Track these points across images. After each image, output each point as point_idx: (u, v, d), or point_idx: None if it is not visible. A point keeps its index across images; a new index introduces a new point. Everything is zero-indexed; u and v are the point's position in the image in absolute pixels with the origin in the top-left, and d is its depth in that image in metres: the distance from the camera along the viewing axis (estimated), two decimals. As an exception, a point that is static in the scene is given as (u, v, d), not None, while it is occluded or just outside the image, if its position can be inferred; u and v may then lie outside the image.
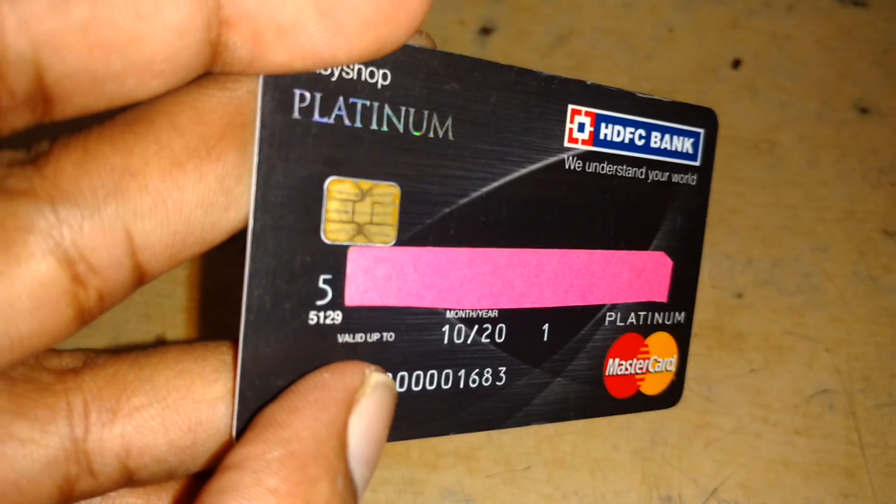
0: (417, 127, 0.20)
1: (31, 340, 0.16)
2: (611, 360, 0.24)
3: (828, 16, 0.38)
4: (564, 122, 0.22)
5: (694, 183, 0.25)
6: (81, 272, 0.16)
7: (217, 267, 0.32)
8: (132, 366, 0.18)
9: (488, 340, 0.22)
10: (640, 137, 0.24)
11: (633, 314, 0.24)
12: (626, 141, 0.24)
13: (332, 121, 0.19)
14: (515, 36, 0.38)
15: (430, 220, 0.21)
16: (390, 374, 0.20)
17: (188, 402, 0.18)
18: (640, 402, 0.25)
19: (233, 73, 0.17)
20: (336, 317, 0.20)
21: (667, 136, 0.25)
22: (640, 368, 0.25)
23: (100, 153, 0.16)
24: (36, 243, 0.15)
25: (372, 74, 0.19)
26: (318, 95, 0.19)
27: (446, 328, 0.21)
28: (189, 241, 0.18)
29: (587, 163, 0.23)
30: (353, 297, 0.20)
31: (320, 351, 0.19)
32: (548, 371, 0.23)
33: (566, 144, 0.23)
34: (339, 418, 0.17)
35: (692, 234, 0.25)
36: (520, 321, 0.23)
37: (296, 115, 0.19)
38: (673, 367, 0.25)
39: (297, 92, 0.19)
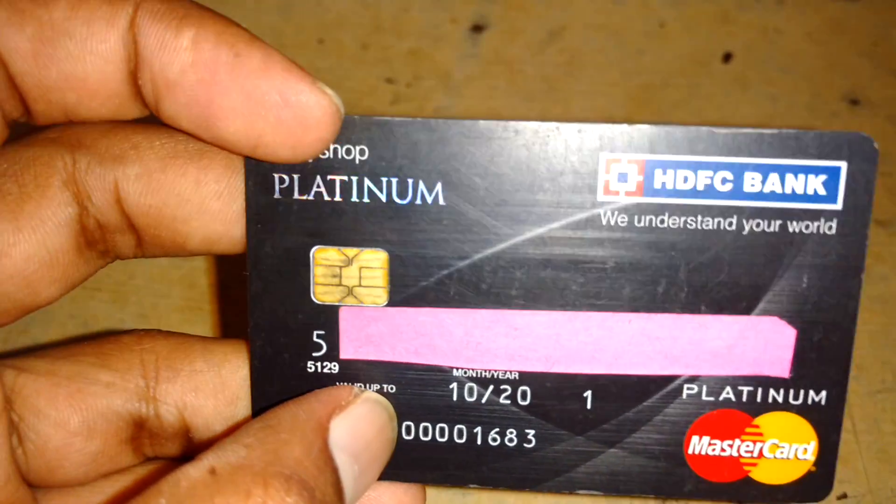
0: (402, 195, 0.20)
1: (60, 256, 0.20)
2: (695, 437, 0.21)
3: (818, 9, 0.38)
4: (596, 174, 0.20)
5: (832, 231, 0.19)
6: (84, 199, 0.20)
7: (211, 267, 0.32)
8: (198, 340, 0.22)
9: (508, 402, 0.21)
10: (724, 182, 0.20)
11: (728, 389, 0.21)
12: (700, 188, 0.20)
13: (312, 197, 0.20)
14: (507, 33, 0.38)
15: (426, 282, 0.21)
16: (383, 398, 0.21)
17: (237, 378, 0.22)
18: (750, 490, 0.21)
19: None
20: (333, 367, 0.21)
21: (771, 177, 0.20)
22: (748, 451, 0.21)
23: (122, 134, 0.21)
24: (56, 174, 0.20)
25: (349, 151, 0.20)
26: (296, 177, 0.20)
27: (454, 385, 0.21)
28: (162, 224, 0.21)
29: (636, 216, 0.20)
30: (347, 351, 0.21)
31: None
32: (596, 440, 0.21)
33: (601, 198, 0.20)
34: (319, 412, 0.19)
35: (833, 295, 0.20)
36: (549, 386, 0.21)
37: (276, 195, 0.20)
38: (809, 456, 0.21)
39: (276, 175, 0.20)
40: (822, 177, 0.19)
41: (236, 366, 0.22)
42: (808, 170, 0.19)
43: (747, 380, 0.20)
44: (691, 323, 0.20)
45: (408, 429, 0.21)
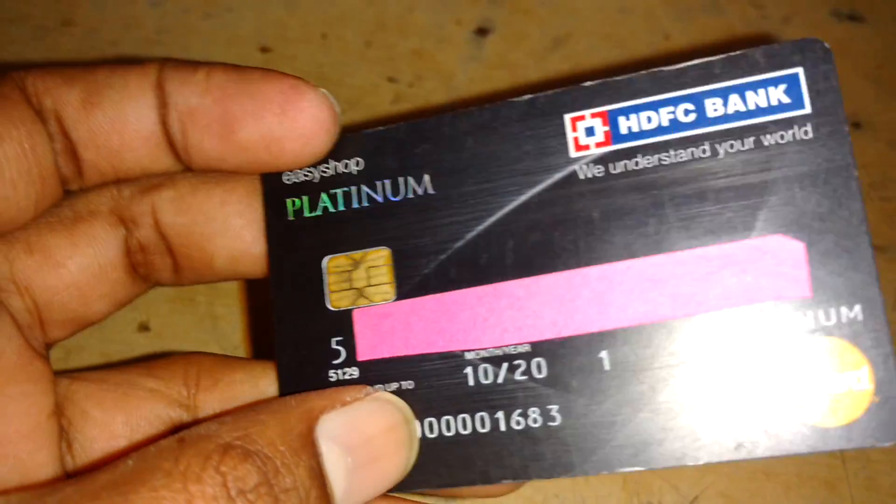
0: (395, 193, 0.22)
1: (109, 271, 0.23)
2: None
3: (823, 29, 0.38)
4: (564, 134, 0.21)
5: (808, 136, 0.19)
6: (128, 222, 0.23)
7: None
8: (241, 359, 0.24)
9: (525, 377, 0.20)
10: (687, 113, 0.20)
11: (753, 322, 0.19)
12: (665, 123, 0.20)
13: (319, 212, 0.22)
14: (512, 38, 0.38)
15: (427, 269, 0.22)
16: (401, 400, 0.21)
17: (274, 389, 0.23)
18: (817, 438, 0.18)
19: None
20: (353, 372, 0.22)
21: (733, 98, 0.20)
22: None
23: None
24: (105, 202, 0.23)
25: (346, 165, 0.23)
26: (304, 198, 0.23)
27: (468, 370, 0.21)
28: (192, 242, 0.23)
29: (610, 164, 0.20)
30: (364, 353, 0.22)
31: None
32: (622, 405, 0.19)
33: (573, 155, 0.21)
34: (314, 403, 0.20)
35: (831, 199, 0.19)
36: (563, 353, 0.20)
37: (290, 217, 0.23)
38: (866, 384, 0.18)
39: (289, 199, 0.23)
40: (782, 86, 0.19)
41: (272, 378, 0.23)
42: (766, 83, 0.19)
43: (769, 308, 0.19)
44: (691, 257, 0.19)
45: (430, 426, 0.21)
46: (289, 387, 0.22)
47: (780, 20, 0.38)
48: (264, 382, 0.23)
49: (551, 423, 0.20)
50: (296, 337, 0.22)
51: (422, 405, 0.21)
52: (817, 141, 0.19)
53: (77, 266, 0.22)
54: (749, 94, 0.20)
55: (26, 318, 0.22)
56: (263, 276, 0.24)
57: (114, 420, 0.22)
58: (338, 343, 0.22)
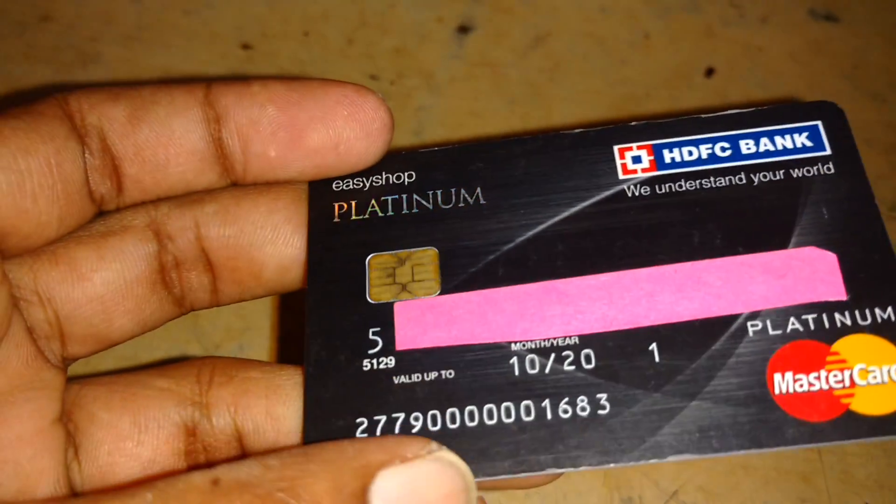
0: (446, 202, 0.23)
1: (135, 288, 0.22)
2: (777, 376, 0.20)
3: (800, 29, 0.39)
4: (613, 160, 0.23)
5: (831, 172, 0.22)
6: (164, 238, 0.23)
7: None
8: (257, 361, 0.24)
9: (573, 368, 0.20)
10: (723, 150, 0.23)
11: (793, 320, 0.20)
12: (704, 156, 0.23)
13: (367, 216, 0.23)
14: (493, 36, 0.38)
15: (474, 268, 0.22)
16: (464, 463, 0.18)
17: (291, 383, 0.22)
18: (857, 426, 0.19)
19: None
20: (389, 361, 0.21)
21: (763, 140, 0.23)
22: (839, 382, 0.19)
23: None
24: (140, 216, 0.23)
25: (398, 177, 0.23)
26: (353, 202, 0.23)
27: (514, 360, 0.21)
28: (240, 254, 0.23)
29: (656, 185, 0.22)
30: (403, 343, 0.21)
31: (377, 392, 0.21)
32: (673, 395, 0.20)
33: (621, 177, 0.23)
34: (372, 455, 0.18)
35: (856, 220, 0.21)
36: (612, 345, 0.20)
37: (336, 219, 0.23)
38: None
39: (336, 204, 0.23)
40: (805, 133, 0.22)
41: (291, 374, 0.23)
42: (791, 130, 0.23)
43: (808, 308, 0.20)
44: (734, 263, 0.21)
45: (471, 414, 0.20)
46: (317, 379, 0.21)
47: (758, 20, 0.39)
48: (281, 377, 0.22)
49: (600, 412, 0.20)
50: (329, 327, 0.22)
51: (463, 393, 0.20)
52: (839, 176, 0.22)
53: (102, 280, 0.22)
54: (777, 138, 0.23)
55: (45, 329, 0.22)
56: None
57: (121, 420, 0.22)
58: (375, 333, 0.22)
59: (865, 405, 0.19)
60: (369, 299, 0.22)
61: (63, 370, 0.22)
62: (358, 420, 0.20)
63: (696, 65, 0.37)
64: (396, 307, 0.22)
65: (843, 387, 0.19)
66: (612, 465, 0.19)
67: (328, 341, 0.21)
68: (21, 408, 0.20)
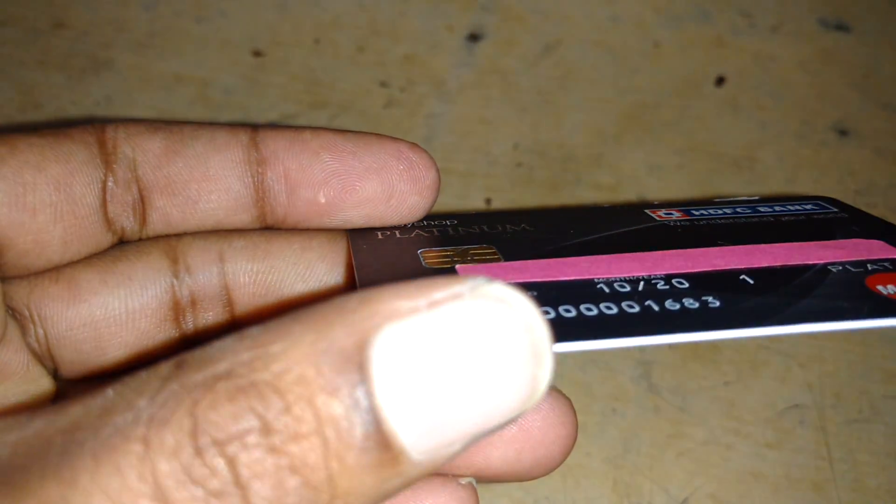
0: (492, 229, 0.24)
1: (137, 320, 0.22)
2: (879, 286, 0.20)
3: (810, 39, 0.39)
4: (647, 215, 0.25)
5: (846, 217, 0.24)
6: (181, 270, 0.22)
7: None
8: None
9: (667, 287, 0.19)
10: (744, 210, 0.25)
11: (869, 265, 0.21)
12: (729, 213, 0.24)
13: (413, 235, 0.23)
14: (503, 44, 0.38)
15: (537, 252, 0.22)
16: (522, 296, 0.14)
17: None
18: None
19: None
20: None
21: (777, 206, 0.25)
22: None
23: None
24: (158, 245, 0.22)
25: (440, 222, 0.24)
26: (396, 231, 0.23)
27: (602, 286, 0.19)
28: (270, 290, 0.22)
29: (692, 221, 0.24)
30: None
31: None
32: (783, 295, 0.19)
33: (658, 221, 0.24)
34: (380, 304, 0.13)
35: (886, 228, 0.23)
36: (703, 277, 0.20)
37: (379, 237, 0.23)
38: None
39: (378, 231, 0.23)
40: (811, 204, 0.25)
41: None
42: (799, 203, 0.25)
43: (876, 261, 0.21)
44: (793, 245, 0.22)
45: (567, 310, 0.18)
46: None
47: (769, 29, 0.39)
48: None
49: (712, 306, 0.18)
50: (380, 271, 0.21)
51: (554, 300, 0.18)
52: (852, 218, 0.24)
53: (100, 304, 0.21)
54: (788, 206, 0.25)
55: (34, 347, 0.21)
56: None
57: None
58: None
59: None
60: (425, 264, 0.21)
61: (55, 381, 0.21)
62: None
63: (707, 74, 0.37)
64: (458, 268, 0.21)
65: None
66: (753, 327, 0.18)
67: (377, 270, 0.21)
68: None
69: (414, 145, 0.23)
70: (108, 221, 0.21)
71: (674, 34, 0.39)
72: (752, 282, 0.20)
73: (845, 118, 0.36)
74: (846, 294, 0.19)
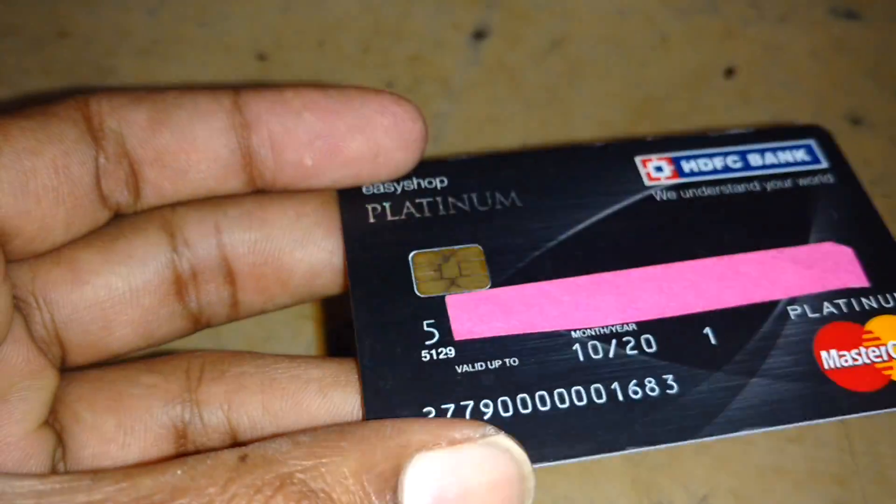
0: (482, 204, 0.23)
1: (141, 297, 0.21)
2: (824, 353, 0.21)
3: (821, 27, 0.38)
4: (636, 169, 0.24)
5: (831, 181, 0.25)
6: (179, 244, 0.22)
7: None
8: (249, 352, 0.23)
9: (636, 352, 0.21)
10: (735, 161, 0.25)
11: (827, 304, 0.22)
12: (719, 168, 0.25)
13: (403, 217, 0.23)
14: (509, 41, 0.38)
15: (521, 263, 0.22)
16: (523, 450, 0.18)
17: (287, 377, 0.21)
18: (875, 402, 0.21)
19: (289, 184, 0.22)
20: (449, 351, 0.21)
21: (768, 155, 0.25)
22: (878, 356, 0.21)
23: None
24: (155, 219, 0.22)
25: (430, 182, 0.24)
26: (387, 204, 0.23)
27: (577, 347, 0.21)
28: (268, 260, 0.22)
29: (681, 191, 0.24)
30: (461, 333, 0.21)
31: (441, 382, 0.20)
32: (735, 373, 0.21)
33: (648, 184, 0.24)
34: (414, 436, 0.17)
35: (860, 220, 0.24)
36: (669, 329, 0.21)
37: (371, 220, 0.23)
38: None
39: (370, 206, 0.23)
40: (802, 150, 0.25)
41: (287, 367, 0.21)
42: (790, 147, 0.25)
43: (838, 293, 0.22)
44: (765, 257, 0.23)
45: (542, 399, 0.20)
46: (374, 372, 0.20)
47: (778, 19, 0.38)
48: (278, 370, 0.21)
49: (669, 391, 0.20)
50: (379, 320, 0.21)
51: (531, 379, 0.20)
52: (839, 184, 0.24)
53: (103, 284, 0.21)
54: (780, 153, 0.25)
55: (42, 334, 0.21)
56: (342, 293, 0.23)
57: (105, 423, 0.21)
58: (429, 325, 0.21)
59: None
60: (418, 293, 0.22)
61: (58, 370, 0.21)
62: (425, 409, 0.20)
63: (716, 66, 0.37)
64: (448, 300, 0.21)
65: (883, 360, 0.21)
66: (689, 441, 0.20)
67: (380, 335, 0.21)
68: (15, 407, 0.20)
69: (399, 97, 0.22)
70: (103, 198, 0.21)
71: (682, 26, 0.38)
72: (714, 342, 0.21)
73: (858, 107, 0.36)
74: (793, 369, 0.21)
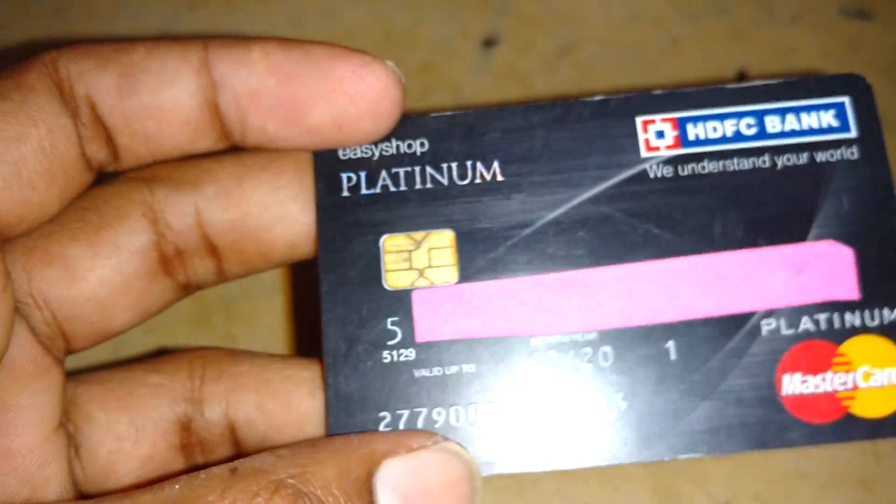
0: (462, 177, 0.22)
1: (134, 282, 0.22)
2: (786, 377, 0.20)
3: (832, 28, 0.38)
4: (635, 135, 0.22)
5: (855, 157, 0.22)
6: (162, 226, 0.22)
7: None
8: (248, 351, 0.24)
9: (590, 365, 0.21)
10: (749, 126, 0.22)
11: (805, 319, 0.21)
12: (729, 134, 0.22)
13: (378, 190, 0.22)
14: (520, 48, 0.38)
15: (494, 254, 0.22)
16: (471, 453, 0.20)
17: (280, 376, 0.23)
18: (853, 428, 0.20)
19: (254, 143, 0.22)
20: (409, 354, 0.21)
21: (789, 117, 0.22)
22: (843, 384, 0.20)
23: (193, 164, 0.23)
24: (135, 205, 0.22)
25: (409, 146, 0.22)
26: (362, 174, 0.22)
27: (533, 356, 0.21)
28: (247, 237, 0.22)
29: (679, 166, 0.22)
30: (422, 334, 0.21)
31: (399, 385, 0.21)
32: (687, 394, 0.20)
33: (644, 155, 0.22)
34: (378, 445, 0.19)
35: (875, 213, 0.21)
36: (629, 341, 0.21)
37: (345, 193, 0.22)
38: None
39: (344, 175, 0.22)
40: (832, 111, 0.22)
41: (279, 368, 0.22)
42: (818, 107, 0.22)
43: (821, 307, 0.21)
44: (752, 257, 0.21)
45: (492, 410, 0.21)
46: (337, 371, 0.21)
47: (789, 20, 0.38)
48: (271, 370, 0.23)
49: (617, 410, 0.20)
50: (346, 315, 0.21)
51: (484, 389, 0.21)
52: (862, 161, 0.22)
53: (98, 278, 0.22)
54: (803, 116, 0.22)
55: (45, 331, 0.21)
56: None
57: (118, 422, 0.22)
58: (393, 323, 0.21)
59: (864, 408, 0.20)
60: (385, 286, 0.22)
61: (63, 366, 0.22)
62: (381, 414, 0.21)
63: (728, 68, 0.37)
64: (415, 295, 0.21)
65: (846, 389, 0.20)
66: (624, 462, 0.20)
67: (345, 331, 0.21)
68: (28, 415, 0.20)
69: (369, 60, 0.21)
70: (88, 162, 0.21)
71: (692, 29, 0.38)
72: (673, 357, 0.21)
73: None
74: (748, 393, 0.20)
